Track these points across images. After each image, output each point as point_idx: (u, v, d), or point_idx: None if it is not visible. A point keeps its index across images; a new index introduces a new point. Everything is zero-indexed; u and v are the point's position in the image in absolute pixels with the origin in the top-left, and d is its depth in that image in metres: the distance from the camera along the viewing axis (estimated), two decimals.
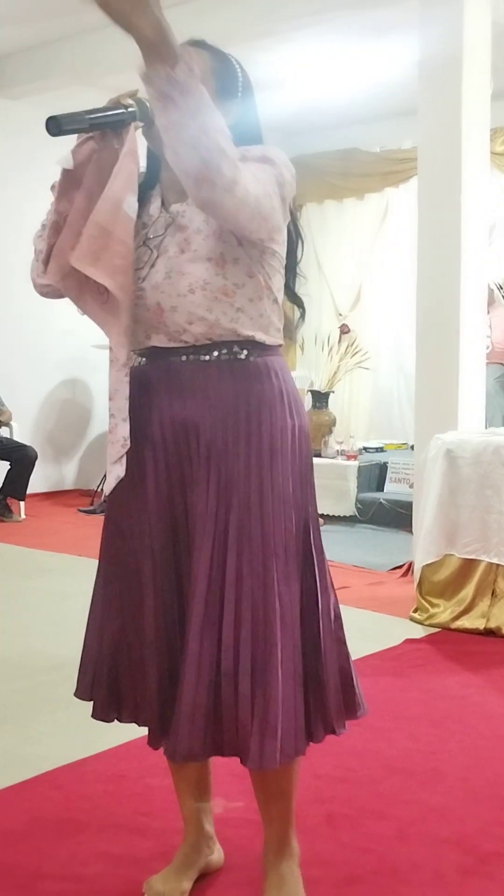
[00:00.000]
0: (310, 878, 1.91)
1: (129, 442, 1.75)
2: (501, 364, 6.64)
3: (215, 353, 1.75)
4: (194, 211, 1.73)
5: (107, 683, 1.88)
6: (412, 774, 2.52)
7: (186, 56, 1.51)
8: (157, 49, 1.48)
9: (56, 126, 1.62)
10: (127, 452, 1.74)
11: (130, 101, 1.70)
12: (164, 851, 2.05)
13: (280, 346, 1.83)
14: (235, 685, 1.71)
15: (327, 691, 1.81)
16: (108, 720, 1.90)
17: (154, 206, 1.80)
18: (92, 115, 1.66)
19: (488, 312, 5.61)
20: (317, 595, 1.81)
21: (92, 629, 1.91)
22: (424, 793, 2.41)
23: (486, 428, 4.82)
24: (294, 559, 1.78)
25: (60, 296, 1.82)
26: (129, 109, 1.68)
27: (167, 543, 1.78)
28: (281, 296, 1.82)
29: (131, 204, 1.68)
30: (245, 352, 1.75)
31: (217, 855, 2.03)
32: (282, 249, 1.78)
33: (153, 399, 1.78)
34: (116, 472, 1.75)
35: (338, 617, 1.88)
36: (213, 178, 1.52)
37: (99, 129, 1.68)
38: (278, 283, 1.79)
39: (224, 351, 1.75)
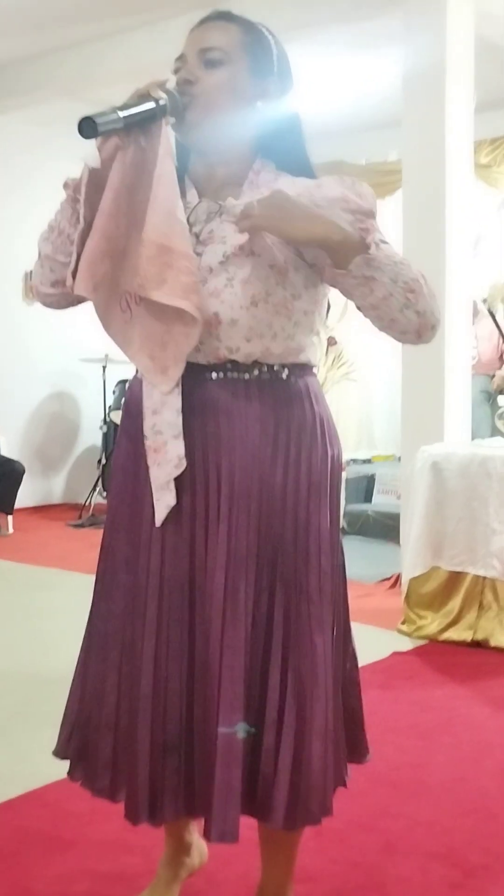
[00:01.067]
0: (298, 893, 1.91)
1: (184, 462, 1.56)
2: (487, 375, 6.66)
3: (256, 372, 1.59)
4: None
5: (79, 741, 1.72)
6: (399, 787, 2.51)
7: (370, 226, 1.50)
8: (346, 246, 1.47)
9: (91, 127, 1.48)
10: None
11: (161, 94, 1.53)
12: (151, 868, 2.05)
13: (315, 366, 1.70)
14: (261, 739, 1.57)
15: (341, 740, 1.70)
16: (74, 779, 1.74)
17: (190, 195, 1.64)
18: (126, 113, 1.51)
19: (473, 324, 5.63)
20: (343, 639, 1.71)
21: (78, 673, 1.76)
22: (412, 806, 2.41)
23: (472, 440, 4.83)
24: (328, 603, 1.63)
25: (65, 305, 1.70)
26: (161, 103, 1.53)
27: (181, 584, 1.59)
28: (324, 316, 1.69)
29: (182, 210, 1.54)
30: (286, 371, 1.61)
31: (198, 856, 1.97)
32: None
33: (184, 418, 1.58)
34: (167, 500, 1.57)
35: (355, 657, 1.78)
36: (433, 322, 1.56)
37: (133, 127, 1.52)
38: (326, 300, 1.67)
39: (265, 369, 1.58)
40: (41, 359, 7.30)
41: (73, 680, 1.77)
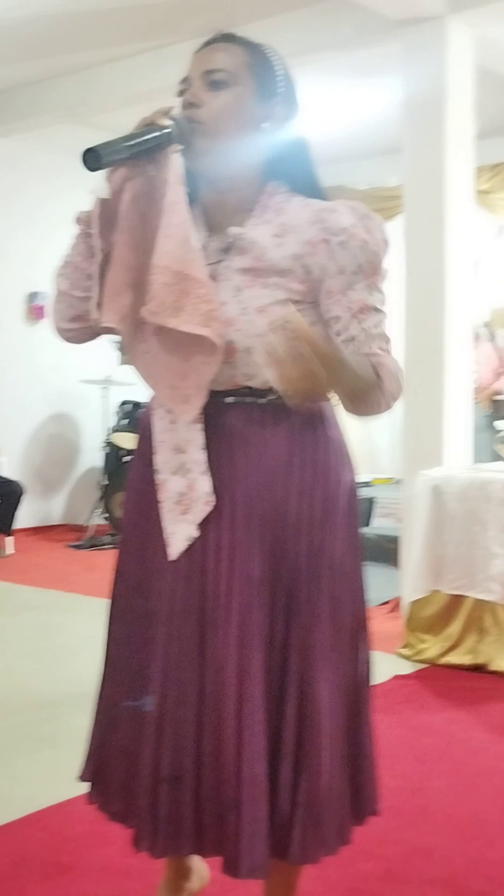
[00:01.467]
0: None
1: (213, 498, 1.56)
2: (489, 400, 6.68)
3: (269, 397, 1.57)
4: (260, 233, 1.57)
5: (95, 764, 1.72)
6: (399, 812, 2.50)
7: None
8: (355, 389, 1.54)
9: (95, 159, 1.47)
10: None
11: (167, 122, 1.53)
12: (150, 893, 2.03)
13: None
14: (277, 771, 1.55)
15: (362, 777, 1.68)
16: (92, 802, 1.74)
17: (200, 229, 1.63)
18: (131, 143, 1.50)
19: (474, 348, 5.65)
20: (365, 673, 1.70)
21: (97, 697, 1.75)
22: (411, 831, 2.39)
23: (473, 463, 4.84)
24: (345, 631, 1.62)
25: (85, 340, 1.69)
26: (166, 131, 1.52)
27: (192, 611, 1.58)
28: None
29: (196, 238, 1.54)
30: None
31: (198, 880, 1.93)
32: None
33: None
34: (188, 532, 1.57)
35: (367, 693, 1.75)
36: (392, 403, 1.60)
37: (140, 157, 1.52)
38: None
39: (278, 396, 1.54)
40: (42, 379, 7.31)
41: (94, 703, 1.76)
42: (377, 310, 1.61)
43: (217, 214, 1.64)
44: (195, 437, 1.56)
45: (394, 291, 6.61)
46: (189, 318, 1.49)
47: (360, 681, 1.71)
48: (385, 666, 3.78)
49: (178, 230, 1.51)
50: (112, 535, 6.78)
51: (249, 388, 1.58)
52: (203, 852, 1.63)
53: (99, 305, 1.57)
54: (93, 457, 7.66)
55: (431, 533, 3.84)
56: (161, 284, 1.49)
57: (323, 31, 5.08)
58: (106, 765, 1.70)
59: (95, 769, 1.72)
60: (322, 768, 1.56)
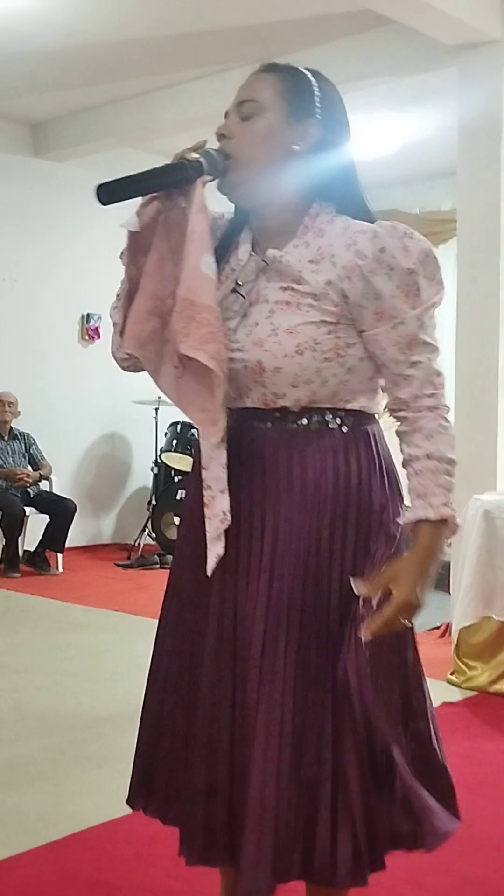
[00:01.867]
0: None
1: (229, 517, 1.58)
2: None
3: (304, 421, 1.59)
4: (297, 257, 1.57)
5: (142, 772, 1.74)
6: (448, 843, 2.45)
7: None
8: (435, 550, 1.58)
9: (106, 194, 1.53)
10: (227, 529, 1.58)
11: (195, 156, 1.56)
12: None
13: (377, 413, 1.67)
14: (317, 797, 1.54)
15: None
16: (134, 807, 1.76)
17: (243, 250, 1.65)
18: (142, 180, 1.55)
19: None
20: (404, 696, 1.68)
21: (146, 710, 1.76)
22: (461, 862, 2.35)
23: None
24: (384, 659, 1.60)
25: (142, 369, 1.69)
26: (193, 165, 1.56)
27: (227, 633, 1.61)
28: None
29: (210, 264, 1.56)
30: (339, 419, 1.59)
31: None
32: None
33: (231, 467, 1.59)
34: (217, 550, 1.59)
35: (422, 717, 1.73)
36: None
37: (154, 191, 1.57)
38: None
39: (315, 418, 1.58)
40: (95, 400, 7.39)
41: (141, 714, 1.79)
42: (427, 343, 1.58)
43: (263, 237, 1.65)
44: (218, 456, 1.58)
45: (447, 314, 6.60)
46: (192, 343, 1.53)
47: (411, 712, 1.70)
48: (434, 693, 3.70)
49: (191, 258, 1.54)
50: (160, 555, 6.80)
51: (284, 409, 1.59)
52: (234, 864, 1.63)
53: (121, 333, 1.63)
54: (143, 477, 7.71)
55: (483, 558, 3.79)
56: (176, 314, 1.55)
57: (379, 56, 5.11)
58: (155, 772, 1.72)
59: (143, 776, 1.74)
60: (362, 793, 1.54)
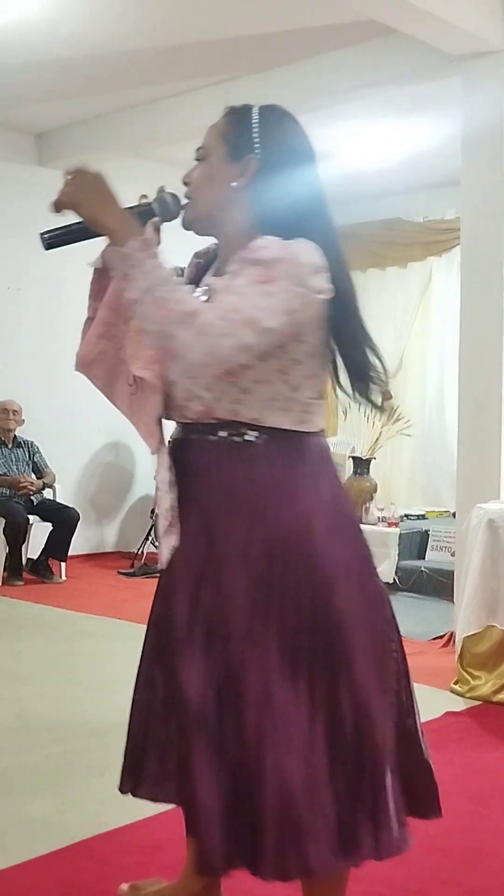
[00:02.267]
0: None
1: (173, 512, 1.73)
2: None
3: (221, 434, 1.71)
4: (219, 283, 1.66)
5: (132, 749, 1.89)
6: (451, 853, 2.46)
7: (146, 235, 1.62)
8: (116, 234, 1.62)
9: (44, 241, 1.75)
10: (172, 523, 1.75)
11: (147, 200, 1.76)
12: None
13: (310, 433, 1.73)
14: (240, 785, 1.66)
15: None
16: (124, 790, 1.89)
17: (206, 277, 1.82)
18: (53, 233, 1.75)
19: None
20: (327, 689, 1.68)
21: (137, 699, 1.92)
22: (463, 873, 2.35)
23: None
24: (301, 659, 1.66)
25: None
26: (143, 209, 1.74)
27: (161, 624, 1.84)
28: (314, 383, 1.72)
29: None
30: (253, 434, 1.69)
31: None
32: (307, 345, 1.67)
33: (176, 473, 1.76)
34: (170, 542, 1.75)
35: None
36: (172, 348, 1.56)
37: (91, 237, 1.71)
38: (303, 370, 1.69)
39: (226, 433, 1.70)
40: (97, 409, 7.35)
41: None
42: (239, 294, 1.59)
43: (223, 265, 1.77)
44: (162, 460, 1.76)
45: (451, 323, 6.63)
46: (141, 363, 1.71)
47: (402, 710, 1.77)
48: (437, 702, 3.73)
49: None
50: None
51: (203, 423, 1.71)
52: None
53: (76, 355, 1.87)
54: (146, 485, 7.71)
55: (486, 567, 3.79)
56: (129, 338, 1.76)
57: (382, 66, 5.12)
58: (145, 754, 1.85)
59: (133, 760, 1.87)
60: (282, 785, 1.61)
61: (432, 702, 3.73)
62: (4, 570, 6.39)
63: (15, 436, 6.75)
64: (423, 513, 7.08)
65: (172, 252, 1.72)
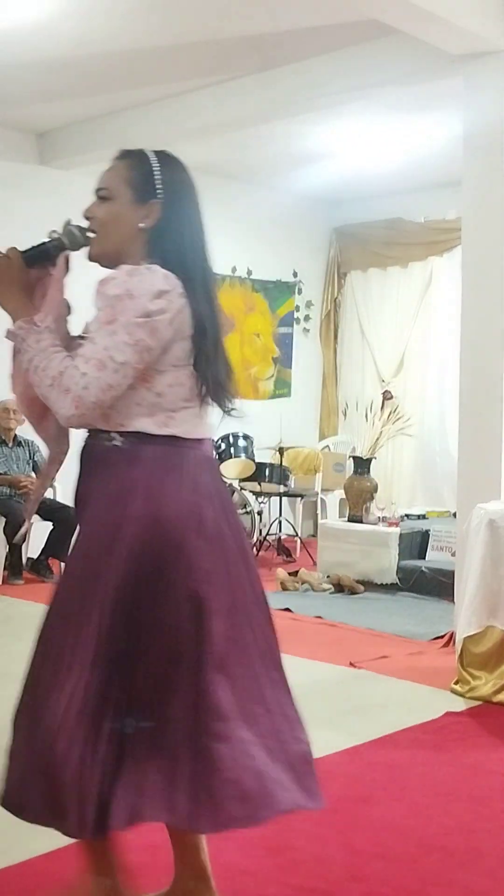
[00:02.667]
0: None
1: (77, 507, 2.01)
2: None
3: (99, 438, 1.92)
4: (93, 326, 1.86)
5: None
6: (451, 853, 2.46)
7: (33, 316, 1.91)
8: (12, 315, 1.91)
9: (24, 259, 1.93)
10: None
11: (55, 234, 1.94)
12: None
13: (180, 438, 1.88)
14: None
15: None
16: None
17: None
18: (30, 255, 1.95)
19: None
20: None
21: None
22: (464, 873, 2.35)
23: None
24: (95, 641, 1.89)
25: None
26: (54, 242, 1.93)
27: None
28: (180, 391, 1.88)
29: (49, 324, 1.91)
30: (122, 439, 1.88)
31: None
32: (170, 356, 1.85)
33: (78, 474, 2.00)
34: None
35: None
36: (54, 405, 1.87)
37: (34, 263, 1.96)
38: (167, 379, 1.86)
39: (105, 438, 1.90)
40: None
41: None
42: (92, 340, 1.84)
43: None
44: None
45: (452, 322, 6.61)
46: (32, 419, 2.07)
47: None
48: (437, 702, 3.73)
49: (41, 318, 1.91)
50: None
51: (92, 430, 1.93)
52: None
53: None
54: None
55: (487, 568, 3.78)
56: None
57: (384, 66, 5.11)
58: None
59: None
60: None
61: (432, 702, 3.73)
62: (4, 569, 6.40)
63: (15, 435, 6.75)
64: (423, 513, 7.07)
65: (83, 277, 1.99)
